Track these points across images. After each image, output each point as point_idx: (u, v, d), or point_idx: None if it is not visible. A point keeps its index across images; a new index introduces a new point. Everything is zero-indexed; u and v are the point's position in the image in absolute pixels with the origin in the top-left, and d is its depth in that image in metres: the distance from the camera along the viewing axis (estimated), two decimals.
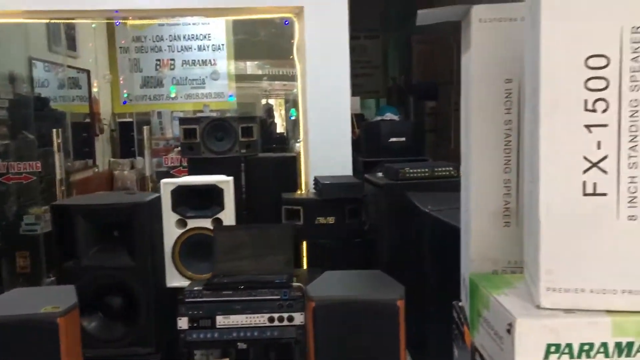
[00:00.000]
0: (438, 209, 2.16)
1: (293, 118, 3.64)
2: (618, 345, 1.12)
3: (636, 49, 1.08)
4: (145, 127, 3.64)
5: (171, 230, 2.27)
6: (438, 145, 6.80)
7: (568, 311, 1.16)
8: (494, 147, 1.46)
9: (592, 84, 1.12)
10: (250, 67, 7.71)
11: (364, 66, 8.83)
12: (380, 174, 2.92)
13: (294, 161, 3.19)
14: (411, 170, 2.68)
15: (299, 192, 2.99)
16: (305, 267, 2.90)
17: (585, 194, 1.15)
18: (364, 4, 5.92)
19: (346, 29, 3.44)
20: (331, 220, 2.76)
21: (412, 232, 2.40)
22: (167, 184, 2.27)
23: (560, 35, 1.11)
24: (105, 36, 6.86)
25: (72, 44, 6.05)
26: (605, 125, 1.11)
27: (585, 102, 1.12)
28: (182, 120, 3.12)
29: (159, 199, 2.02)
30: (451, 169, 2.75)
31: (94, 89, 6.32)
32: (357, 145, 3.73)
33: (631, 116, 1.10)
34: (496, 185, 1.48)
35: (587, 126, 1.12)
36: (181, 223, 2.29)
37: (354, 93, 8.57)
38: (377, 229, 2.83)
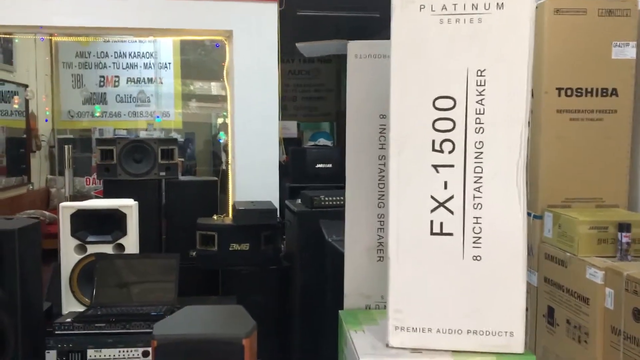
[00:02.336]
0: (341, 239, 2.15)
1: (222, 141, 3.61)
2: None
3: (481, 91, 1.10)
4: (66, 146, 3.53)
5: (69, 256, 2.19)
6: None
7: (414, 351, 1.16)
8: (368, 182, 1.46)
9: (440, 125, 1.13)
10: (209, 86, 7.64)
11: (318, 89, 8.90)
12: (299, 201, 2.91)
13: (215, 185, 3.15)
14: (326, 198, 2.68)
15: (215, 217, 2.95)
16: (219, 294, 2.85)
17: (433, 234, 1.15)
18: (316, 27, 5.97)
19: (275, 54, 3.45)
20: (245, 246, 2.73)
21: (321, 260, 2.38)
22: (66, 208, 2.19)
23: (410, 75, 1.13)
24: (48, 50, 6.72)
25: (8, 58, 5.89)
26: (451, 166, 1.12)
27: (433, 142, 1.13)
28: (99, 141, 3.05)
29: (37, 225, 1.95)
30: None
31: (32, 104, 6.15)
32: (287, 171, 3.73)
33: (476, 158, 1.11)
34: (370, 219, 1.48)
35: (435, 166, 1.13)
36: (80, 248, 2.21)
37: (307, 116, 8.58)
38: (292, 255, 2.81)
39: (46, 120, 6.28)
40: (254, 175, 3.39)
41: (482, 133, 1.10)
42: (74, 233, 2.18)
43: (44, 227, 5.36)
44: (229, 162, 3.46)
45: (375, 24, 5.42)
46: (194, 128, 7.64)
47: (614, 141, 2.67)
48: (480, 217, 1.12)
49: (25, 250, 1.62)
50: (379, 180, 1.44)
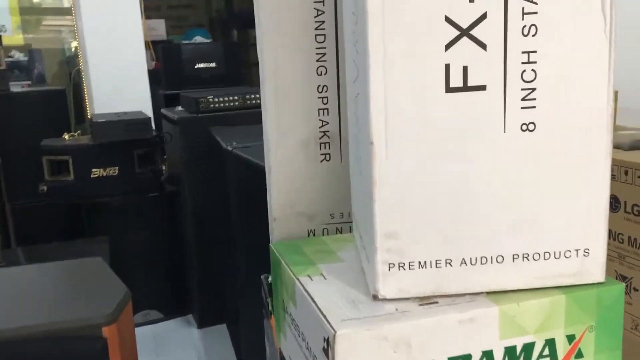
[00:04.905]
0: (245, 146, 1.62)
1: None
2: (510, 352, 0.66)
3: None
4: None
5: None
6: None
7: (426, 301, 0.68)
8: (299, 29, 0.91)
9: None
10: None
11: None
12: (179, 108, 2.31)
13: (63, 95, 2.41)
14: (215, 100, 2.10)
15: (66, 136, 2.27)
16: (85, 236, 2.22)
17: (450, 89, 0.64)
18: None
19: None
20: (113, 171, 2.09)
21: (217, 178, 1.86)
22: None
23: None
24: None
25: None
26: None
27: None
28: None
29: None
30: None
31: None
32: (159, 79, 3.07)
33: None
34: (305, 95, 0.95)
35: None
36: None
37: (178, 27, 7.75)
38: (177, 177, 2.23)
39: None
40: (117, 84, 2.69)
41: None
42: None
43: None
44: (81, 68, 2.72)
45: None
46: (42, 45, 6.63)
47: None
48: (534, 52, 0.62)
49: None
50: (317, 26, 0.89)
